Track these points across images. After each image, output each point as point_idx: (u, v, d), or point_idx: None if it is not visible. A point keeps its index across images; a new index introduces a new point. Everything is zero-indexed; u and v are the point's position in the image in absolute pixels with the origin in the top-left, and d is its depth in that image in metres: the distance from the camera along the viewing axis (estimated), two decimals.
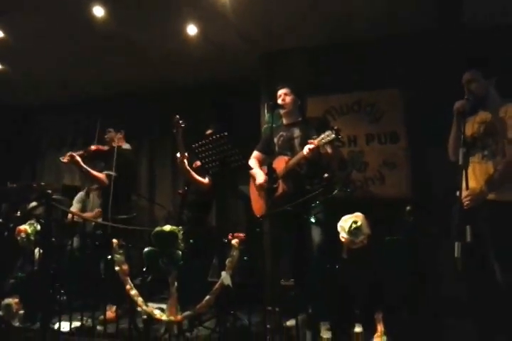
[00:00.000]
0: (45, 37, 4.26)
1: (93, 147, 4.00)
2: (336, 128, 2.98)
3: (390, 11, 3.79)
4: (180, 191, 4.18)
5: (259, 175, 3.38)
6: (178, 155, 3.79)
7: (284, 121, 3.54)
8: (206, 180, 3.83)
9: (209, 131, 3.93)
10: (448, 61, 3.86)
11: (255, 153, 3.61)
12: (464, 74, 2.72)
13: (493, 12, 3.79)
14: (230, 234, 3.23)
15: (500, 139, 2.55)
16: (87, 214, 4.52)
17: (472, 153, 2.60)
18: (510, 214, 2.46)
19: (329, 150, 3.20)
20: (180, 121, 3.64)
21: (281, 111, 3.48)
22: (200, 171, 3.81)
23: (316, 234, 3.02)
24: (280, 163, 3.29)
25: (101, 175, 3.94)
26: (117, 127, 4.13)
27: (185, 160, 3.81)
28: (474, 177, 2.54)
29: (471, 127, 2.65)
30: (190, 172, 3.81)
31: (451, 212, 2.54)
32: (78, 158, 3.87)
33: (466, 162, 2.43)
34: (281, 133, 3.47)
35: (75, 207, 4.68)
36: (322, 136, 3.01)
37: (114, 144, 3.95)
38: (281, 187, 3.25)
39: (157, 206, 5.22)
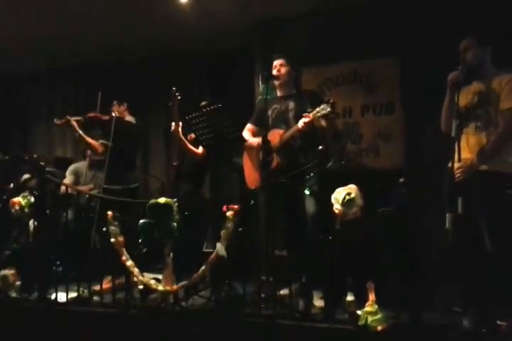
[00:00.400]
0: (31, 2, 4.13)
1: (91, 114, 3.97)
2: (331, 101, 2.95)
3: None
4: (174, 163, 4.16)
5: (255, 141, 3.37)
6: (173, 124, 3.76)
7: (278, 93, 3.50)
8: (200, 150, 3.80)
9: (203, 103, 3.88)
10: (445, 29, 3.80)
11: (249, 126, 3.58)
12: (461, 42, 2.68)
13: None
14: (225, 205, 3.25)
15: (493, 110, 2.54)
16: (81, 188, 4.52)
17: (466, 125, 2.59)
18: (500, 183, 2.50)
19: (323, 123, 3.18)
20: (177, 94, 3.59)
21: (276, 83, 3.43)
22: (194, 143, 3.79)
23: (310, 205, 3.04)
24: (274, 137, 3.27)
25: (95, 142, 4.00)
26: (120, 99, 4.11)
27: (180, 129, 3.78)
28: (468, 149, 2.55)
29: (465, 98, 2.63)
30: (184, 141, 3.79)
31: (442, 183, 2.56)
32: (74, 123, 3.90)
33: (459, 134, 2.44)
34: (275, 105, 3.43)
35: (68, 179, 4.66)
36: (317, 109, 2.99)
37: (114, 114, 3.92)
38: (275, 160, 3.24)
39: (151, 178, 5.21)
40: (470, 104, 2.60)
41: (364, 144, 4.05)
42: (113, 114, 3.92)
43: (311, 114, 3.01)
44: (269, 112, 3.42)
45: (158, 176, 5.12)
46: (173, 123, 3.69)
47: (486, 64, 2.65)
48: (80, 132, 3.93)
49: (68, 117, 3.94)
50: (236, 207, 3.83)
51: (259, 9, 4.28)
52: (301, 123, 3.04)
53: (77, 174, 4.74)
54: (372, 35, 4.05)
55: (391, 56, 4.02)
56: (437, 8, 3.88)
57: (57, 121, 4.01)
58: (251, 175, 3.45)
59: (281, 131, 3.27)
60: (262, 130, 3.36)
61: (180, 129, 3.74)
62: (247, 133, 3.53)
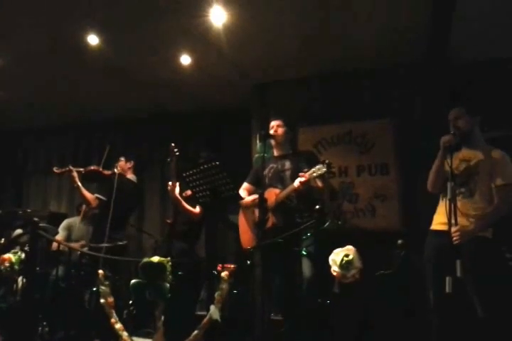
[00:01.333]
0: (33, 61, 4.28)
1: (93, 167, 4.01)
2: (327, 162, 2.99)
3: (379, 42, 3.87)
4: (168, 220, 4.12)
5: (250, 198, 3.39)
6: (170, 183, 3.76)
7: (275, 153, 3.56)
8: (197, 210, 3.79)
9: (201, 160, 3.91)
10: (437, 93, 3.96)
11: (245, 185, 3.60)
12: (450, 110, 2.82)
13: (479, 48, 3.89)
14: (220, 265, 3.17)
15: (479, 179, 2.64)
16: (73, 244, 4.45)
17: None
18: (490, 248, 2.54)
19: (319, 183, 3.22)
20: (175, 150, 3.64)
21: (273, 143, 3.50)
22: (190, 200, 3.77)
23: (306, 267, 2.97)
24: (270, 195, 3.28)
25: (90, 195, 3.98)
26: (129, 157, 4.18)
27: (177, 189, 3.77)
28: (459, 213, 2.56)
29: (454, 162, 2.69)
30: (180, 201, 3.77)
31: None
32: (75, 174, 3.94)
33: (454, 196, 2.46)
34: (271, 165, 3.48)
35: (60, 235, 4.59)
36: (313, 169, 3.03)
37: (117, 170, 3.93)
38: (270, 220, 3.22)
39: (145, 235, 5.14)
40: (457, 170, 2.69)
41: (360, 204, 4.04)
42: (115, 170, 3.93)
43: (307, 174, 3.04)
44: (266, 171, 3.45)
45: (152, 233, 5.04)
46: (170, 183, 3.71)
47: (475, 132, 2.78)
48: (79, 183, 3.95)
49: (70, 167, 3.98)
50: (231, 266, 3.77)
51: (257, 72, 4.44)
52: (297, 183, 3.06)
53: (69, 229, 4.68)
54: (365, 97, 4.21)
55: (385, 117, 4.13)
56: (430, 73, 4.05)
57: (56, 170, 4.04)
58: (246, 235, 3.41)
59: (277, 191, 3.29)
60: (258, 189, 3.37)
61: (177, 188, 3.75)
62: (243, 192, 3.53)
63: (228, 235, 4.84)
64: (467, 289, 2.43)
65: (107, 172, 3.97)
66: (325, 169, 2.96)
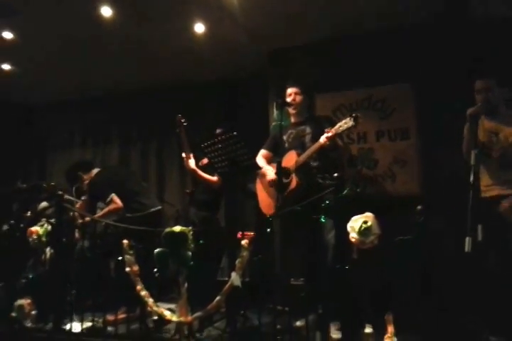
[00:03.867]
0: (53, 36, 4.29)
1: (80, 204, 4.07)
2: (353, 115, 2.92)
3: (398, 2, 3.72)
4: (187, 191, 4.17)
5: (270, 171, 3.35)
6: (184, 155, 3.78)
7: (293, 120, 3.52)
8: (215, 178, 3.81)
9: (218, 131, 3.91)
10: (458, 56, 3.82)
11: (262, 152, 3.59)
12: (476, 81, 2.82)
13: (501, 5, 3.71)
14: (240, 232, 3.22)
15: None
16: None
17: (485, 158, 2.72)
18: None
19: (339, 142, 3.18)
20: (183, 120, 3.63)
21: (290, 110, 3.46)
22: (208, 169, 3.80)
23: (326, 233, 2.99)
24: (291, 158, 3.25)
25: (107, 210, 3.79)
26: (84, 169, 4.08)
27: (192, 160, 3.79)
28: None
29: (482, 133, 2.76)
30: (196, 171, 3.80)
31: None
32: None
33: (478, 162, 2.45)
34: (290, 131, 3.45)
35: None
36: (340, 123, 2.99)
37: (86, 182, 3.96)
38: (294, 180, 3.18)
39: (166, 205, 5.22)
40: (490, 143, 2.75)
41: (380, 170, 4.00)
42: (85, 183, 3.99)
43: (333, 129, 3.00)
44: (285, 137, 3.44)
45: (173, 203, 5.12)
46: (184, 155, 3.72)
47: (501, 104, 2.82)
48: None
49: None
50: (251, 234, 3.83)
51: (272, 38, 4.35)
52: (323, 138, 3.03)
53: None
54: (385, 61, 4.08)
55: (405, 82, 4.02)
56: (450, 37, 3.90)
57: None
58: (265, 201, 3.43)
59: (295, 152, 3.25)
60: (275, 156, 3.36)
61: (192, 160, 3.76)
62: (261, 159, 3.53)
63: (248, 204, 4.88)
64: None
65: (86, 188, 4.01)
66: (352, 122, 2.91)
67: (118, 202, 3.71)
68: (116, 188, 3.78)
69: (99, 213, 3.82)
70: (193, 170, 3.79)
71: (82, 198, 4.12)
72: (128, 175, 4.20)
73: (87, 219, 3.78)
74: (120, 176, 4.07)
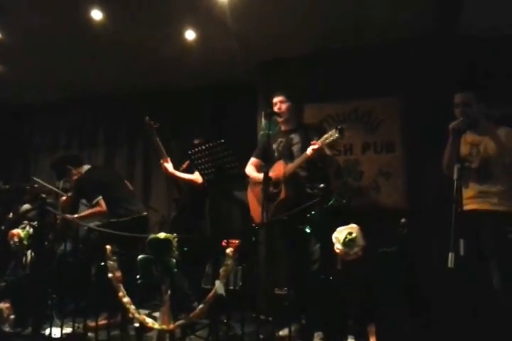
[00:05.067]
0: (42, 37, 4.25)
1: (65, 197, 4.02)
2: (339, 127, 2.96)
3: (388, 16, 3.78)
4: (174, 197, 4.14)
5: (259, 177, 3.34)
6: (161, 161, 3.76)
7: (282, 128, 3.53)
8: (195, 176, 3.72)
9: (196, 141, 3.92)
10: (446, 70, 3.90)
11: (252, 160, 3.59)
12: (455, 95, 2.86)
13: (490, 23, 3.80)
14: (225, 240, 3.22)
15: (493, 162, 2.72)
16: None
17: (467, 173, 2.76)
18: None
19: (328, 151, 3.21)
20: (152, 122, 3.61)
21: (279, 119, 3.47)
22: (188, 170, 3.80)
23: (311, 245, 3.00)
24: (279, 168, 3.26)
25: (91, 211, 3.81)
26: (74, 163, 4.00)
27: (169, 163, 3.78)
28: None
29: (463, 146, 2.79)
30: (175, 174, 3.79)
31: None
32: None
33: (461, 177, 2.49)
34: (280, 139, 3.46)
35: None
36: (325, 135, 3.01)
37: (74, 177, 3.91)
38: (283, 192, 3.19)
39: (151, 210, 5.19)
40: (471, 156, 2.80)
41: (365, 181, 4.05)
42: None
43: (319, 141, 3.03)
44: (275, 145, 3.44)
45: (158, 209, 5.09)
46: (161, 161, 3.71)
47: (482, 118, 2.85)
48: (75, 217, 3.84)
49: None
50: (236, 241, 3.82)
51: (262, 49, 4.38)
52: (309, 150, 3.05)
53: None
54: (373, 74, 4.13)
55: (392, 95, 4.08)
56: (438, 52, 3.98)
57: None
58: (257, 211, 3.41)
59: (285, 162, 3.27)
60: (265, 163, 3.37)
61: (169, 164, 3.75)
62: (250, 168, 3.54)
63: (233, 211, 4.89)
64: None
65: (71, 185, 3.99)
66: (337, 135, 2.94)
67: (103, 205, 3.69)
68: (103, 190, 3.76)
69: (82, 213, 3.78)
70: (172, 174, 3.77)
71: (68, 194, 4.06)
72: (117, 179, 4.16)
73: (69, 217, 3.72)
74: (109, 178, 4.03)
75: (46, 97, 5.90)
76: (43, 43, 4.39)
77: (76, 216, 3.89)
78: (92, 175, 3.90)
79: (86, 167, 3.98)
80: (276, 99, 3.46)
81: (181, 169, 3.88)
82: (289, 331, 2.64)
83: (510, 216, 2.63)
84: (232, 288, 3.76)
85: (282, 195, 3.18)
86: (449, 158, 2.80)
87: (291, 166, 3.21)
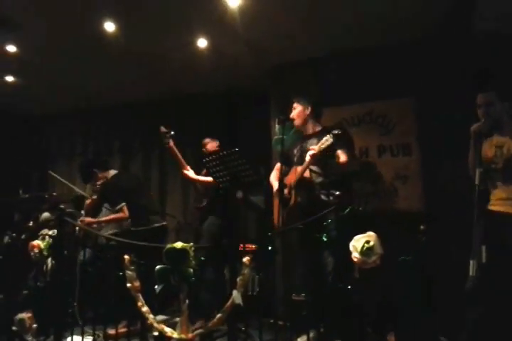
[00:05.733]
0: (55, 49, 4.32)
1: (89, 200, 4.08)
2: (334, 132, 2.94)
3: (401, 17, 3.74)
4: (198, 206, 4.10)
5: (276, 183, 3.37)
6: (184, 171, 3.79)
7: (305, 132, 3.51)
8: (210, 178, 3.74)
9: (207, 140, 3.94)
10: (460, 70, 3.83)
11: (277, 165, 3.57)
12: (478, 95, 2.76)
13: (504, 21, 3.73)
14: (241, 245, 3.23)
15: None
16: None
17: (494, 176, 2.69)
18: None
19: (343, 158, 3.17)
20: (166, 131, 3.61)
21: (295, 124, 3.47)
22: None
23: (328, 254, 2.98)
24: (292, 174, 3.28)
25: (113, 217, 3.88)
26: (101, 167, 4.06)
27: (190, 171, 3.79)
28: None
29: (489, 150, 2.71)
30: (198, 179, 3.81)
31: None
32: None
33: (483, 181, 2.44)
34: (301, 144, 3.43)
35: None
36: (322, 141, 3.00)
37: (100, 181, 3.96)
38: (293, 198, 3.19)
39: (168, 217, 5.22)
40: (496, 158, 2.69)
41: (382, 185, 4.01)
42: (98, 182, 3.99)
43: (316, 146, 3.02)
44: (295, 151, 3.44)
45: (175, 215, 5.11)
46: (184, 171, 3.76)
47: (505, 118, 2.73)
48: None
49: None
50: (252, 246, 3.82)
51: (274, 53, 4.38)
52: (307, 157, 3.05)
53: None
54: (387, 75, 4.08)
55: (407, 97, 4.03)
56: (451, 52, 3.92)
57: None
58: (276, 215, 3.43)
59: (298, 168, 3.25)
60: (288, 169, 3.37)
61: (189, 172, 3.77)
62: (274, 173, 3.55)
63: (249, 216, 4.89)
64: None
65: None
66: (332, 140, 2.92)
67: (126, 212, 3.74)
68: (127, 197, 3.80)
69: (105, 217, 3.83)
70: (195, 180, 3.81)
71: (93, 197, 4.12)
72: (141, 186, 4.20)
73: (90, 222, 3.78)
74: (134, 185, 4.05)
75: (61, 107, 5.98)
76: (57, 55, 4.45)
77: (97, 220, 3.96)
78: (118, 181, 3.94)
79: (112, 172, 4.04)
80: (294, 105, 3.46)
81: (202, 173, 3.88)
82: (308, 338, 2.62)
83: None
84: (250, 293, 3.77)
85: (292, 201, 3.19)
86: (473, 161, 2.71)
87: (298, 172, 3.21)
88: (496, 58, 3.76)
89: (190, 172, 3.81)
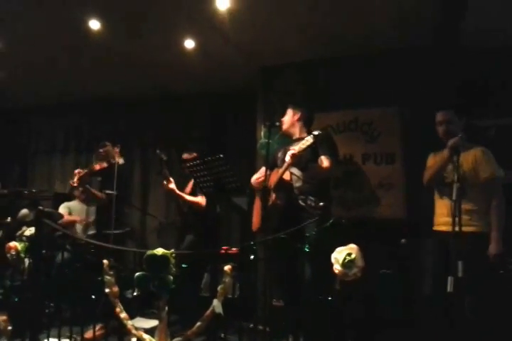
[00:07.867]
0: (38, 44, 4.19)
1: (97, 166, 4.00)
2: (315, 133, 2.98)
3: (389, 26, 3.73)
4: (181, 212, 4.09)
5: (257, 174, 3.49)
6: (164, 183, 3.79)
7: (291, 138, 3.56)
8: (199, 199, 3.80)
9: (185, 155, 3.95)
10: (445, 80, 3.85)
11: (262, 169, 3.58)
12: (437, 113, 3.03)
13: (493, 34, 3.75)
14: (223, 247, 3.21)
15: (467, 180, 2.80)
16: (74, 217, 4.60)
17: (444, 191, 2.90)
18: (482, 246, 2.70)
19: (326, 163, 3.20)
20: (163, 155, 3.71)
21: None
22: (193, 193, 3.85)
23: (307, 266, 2.99)
24: (274, 175, 3.32)
25: (101, 195, 3.96)
26: (113, 141, 4.08)
27: (172, 185, 3.79)
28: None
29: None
30: (182, 196, 3.83)
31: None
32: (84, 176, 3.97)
33: (459, 196, 2.46)
34: (284, 148, 3.46)
35: (61, 212, 4.63)
36: (302, 141, 3.04)
37: (113, 160, 3.89)
38: (271, 198, 3.24)
39: (149, 217, 5.19)
40: (446, 173, 2.91)
41: (365, 193, 4.02)
42: (111, 161, 3.91)
43: (296, 147, 3.05)
44: (279, 154, 3.48)
45: (156, 215, 5.08)
46: (165, 182, 3.76)
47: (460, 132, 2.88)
48: (89, 188, 4.03)
49: (80, 173, 3.97)
50: (234, 249, 3.80)
51: (263, 57, 4.34)
52: (287, 157, 3.09)
53: (69, 213, 4.70)
54: (373, 84, 4.08)
55: (392, 106, 4.03)
56: (439, 62, 3.93)
57: (73, 183, 4.01)
58: (255, 218, 3.46)
59: (280, 170, 3.28)
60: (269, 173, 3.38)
61: (173, 185, 3.78)
62: (255, 175, 3.58)
63: (232, 218, 4.88)
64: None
65: (105, 165, 3.96)
66: (311, 140, 2.96)
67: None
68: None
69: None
70: (179, 195, 3.82)
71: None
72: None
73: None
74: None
75: (43, 101, 5.86)
76: (40, 49, 4.32)
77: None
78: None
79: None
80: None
81: (186, 191, 3.88)
82: None
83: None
84: (230, 296, 3.77)
85: (270, 202, 3.23)
86: (435, 173, 2.92)
87: (279, 173, 3.24)
88: (480, 70, 3.80)
89: (173, 186, 3.80)
